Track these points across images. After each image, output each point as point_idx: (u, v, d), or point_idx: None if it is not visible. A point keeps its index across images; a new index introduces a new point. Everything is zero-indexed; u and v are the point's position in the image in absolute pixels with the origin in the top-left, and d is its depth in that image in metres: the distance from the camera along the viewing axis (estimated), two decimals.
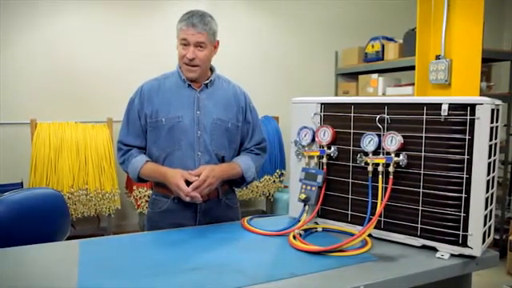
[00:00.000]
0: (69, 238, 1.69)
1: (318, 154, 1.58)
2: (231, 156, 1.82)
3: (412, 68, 3.15)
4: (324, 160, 1.57)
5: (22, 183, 3.56)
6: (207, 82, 1.78)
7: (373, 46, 4.27)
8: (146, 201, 3.78)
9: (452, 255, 1.31)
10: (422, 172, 1.36)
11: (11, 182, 3.52)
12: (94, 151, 3.67)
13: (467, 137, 1.28)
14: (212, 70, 1.82)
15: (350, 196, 1.53)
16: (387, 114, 1.42)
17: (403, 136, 1.37)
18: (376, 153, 1.43)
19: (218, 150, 1.75)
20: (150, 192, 3.74)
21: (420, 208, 1.37)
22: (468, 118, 1.27)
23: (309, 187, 1.57)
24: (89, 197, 3.60)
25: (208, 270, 1.23)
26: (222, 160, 1.78)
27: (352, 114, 1.52)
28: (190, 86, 1.76)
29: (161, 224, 1.72)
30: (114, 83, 4.10)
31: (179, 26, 1.70)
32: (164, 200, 1.76)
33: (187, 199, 1.61)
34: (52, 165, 3.54)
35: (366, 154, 1.44)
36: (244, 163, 1.79)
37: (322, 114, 1.60)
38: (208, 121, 1.74)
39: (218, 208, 1.79)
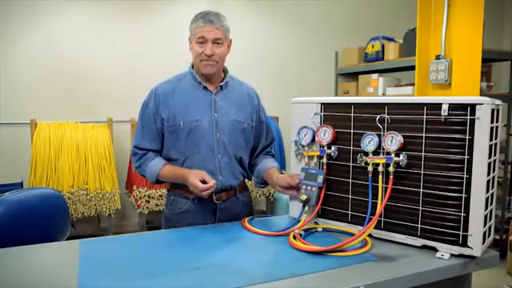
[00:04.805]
0: (69, 238, 1.69)
1: (318, 153, 1.59)
2: (247, 156, 1.84)
3: (412, 68, 3.14)
4: (324, 160, 1.57)
5: (22, 183, 3.56)
6: (222, 83, 1.78)
7: (373, 46, 4.27)
8: (147, 201, 3.78)
9: (452, 255, 1.31)
10: (422, 172, 1.36)
11: (11, 182, 3.52)
12: (94, 151, 3.67)
13: (467, 137, 1.28)
14: (225, 71, 1.82)
15: (350, 196, 1.53)
16: (387, 114, 1.42)
17: (403, 136, 1.37)
18: (376, 153, 1.43)
19: (235, 150, 1.77)
20: (150, 192, 3.76)
21: (420, 208, 1.37)
22: (468, 118, 1.27)
23: (309, 187, 1.57)
24: (89, 197, 3.60)
25: (208, 269, 1.23)
26: (239, 161, 1.80)
27: (352, 114, 1.52)
28: (205, 88, 1.76)
29: (180, 225, 1.72)
30: (113, 83, 4.11)
31: (194, 25, 1.70)
32: (184, 201, 1.76)
33: (203, 194, 1.61)
34: (52, 165, 3.54)
35: (366, 154, 1.44)
36: (277, 167, 1.83)
37: (322, 113, 1.60)
38: (226, 122, 1.74)
39: (236, 206, 1.80)
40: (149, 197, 3.78)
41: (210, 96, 1.75)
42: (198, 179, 1.59)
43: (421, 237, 1.37)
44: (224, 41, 1.71)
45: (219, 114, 1.74)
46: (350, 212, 1.54)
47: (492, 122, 1.27)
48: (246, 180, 1.91)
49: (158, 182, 1.78)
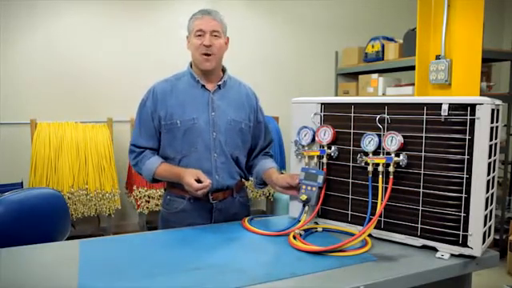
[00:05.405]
0: (69, 238, 1.69)
1: (318, 153, 1.58)
2: (244, 156, 1.84)
3: (412, 68, 3.14)
4: (324, 160, 1.57)
5: (22, 183, 3.56)
6: (220, 82, 1.78)
7: (373, 46, 4.27)
8: (147, 201, 3.78)
9: (452, 255, 1.31)
10: (422, 172, 1.36)
11: (11, 182, 3.52)
12: (94, 151, 3.67)
13: (467, 137, 1.28)
14: (224, 70, 1.83)
15: (350, 196, 1.53)
16: (387, 114, 1.42)
17: (403, 136, 1.37)
18: (376, 153, 1.43)
19: (232, 150, 1.77)
20: (150, 192, 3.76)
21: (420, 208, 1.37)
22: (468, 118, 1.27)
23: (309, 187, 1.57)
24: (89, 197, 3.60)
25: (208, 269, 1.23)
26: (236, 160, 1.80)
27: (352, 114, 1.52)
28: (203, 86, 1.76)
29: (176, 224, 1.72)
30: (113, 83, 4.11)
31: (192, 19, 1.73)
32: (179, 200, 1.77)
33: (198, 194, 1.61)
34: (52, 165, 3.54)
35: (366, 154, 1.44)
36: (276, 168, 1.83)
37: (322, 113, 1.60)
38: (223, 122, 1.74)
39: (233, 206, 1.80)
40: (149, 197, 3.78)
41: (207, 95, 1.75)
42: (193, 178, 1.60)
43: (421, 237, 1.37)
44: (222, 34, 1.72)
45: (216, 113, 1.74)
46: (349, 212, 1.54)
47: (492, 122, 1.27)
48: (245, 180, 1.91)
49: (155, 180, 1.79)
